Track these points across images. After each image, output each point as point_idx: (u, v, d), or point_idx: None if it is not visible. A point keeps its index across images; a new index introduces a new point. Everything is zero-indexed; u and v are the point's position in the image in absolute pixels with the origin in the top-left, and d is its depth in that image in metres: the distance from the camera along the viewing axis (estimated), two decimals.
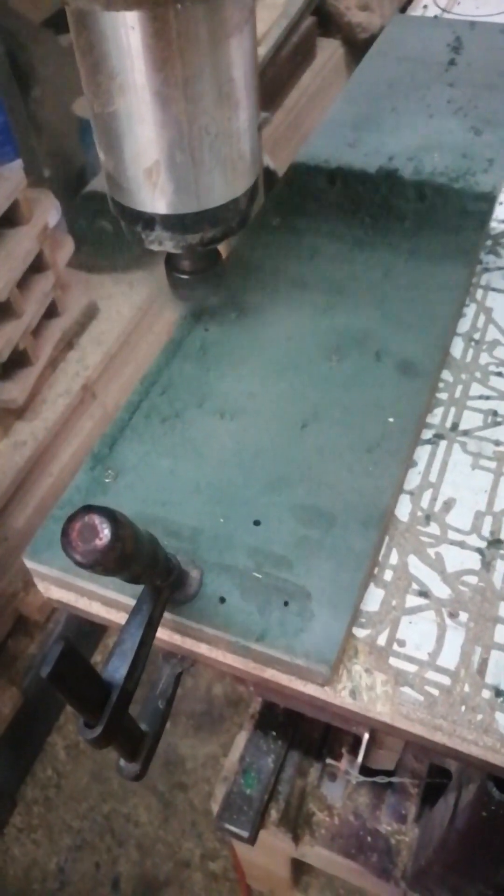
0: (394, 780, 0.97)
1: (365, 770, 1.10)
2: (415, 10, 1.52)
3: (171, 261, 0.85)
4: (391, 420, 0.76)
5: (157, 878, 1.92)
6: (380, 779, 0.94)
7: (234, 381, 0.81)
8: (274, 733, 1.20)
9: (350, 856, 1.20)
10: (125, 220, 0.78)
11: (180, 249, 0.78)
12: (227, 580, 0.65)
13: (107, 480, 0.73)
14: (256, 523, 0.69)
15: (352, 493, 0.71)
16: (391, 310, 0.87)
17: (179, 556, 0.66)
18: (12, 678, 1.96)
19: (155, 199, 0.73)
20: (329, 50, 3.00)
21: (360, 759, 0.84)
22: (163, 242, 0.77)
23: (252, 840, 1.13)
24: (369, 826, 1.22)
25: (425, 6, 1.53)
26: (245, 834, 1.11)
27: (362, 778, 0.97)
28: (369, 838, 1.21)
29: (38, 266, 1.90)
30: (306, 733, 1.26)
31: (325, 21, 3.19)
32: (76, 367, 2.07)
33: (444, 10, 1.50)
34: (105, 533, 0.43)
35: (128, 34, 0.61)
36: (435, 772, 1.11)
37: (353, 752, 1.11)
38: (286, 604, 0.64)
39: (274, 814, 1.18)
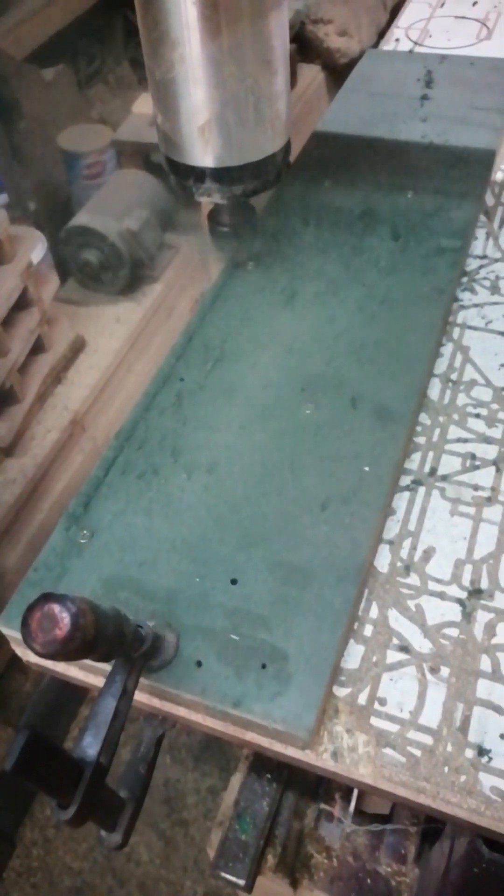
0: (387, 827, 0.95)
1: (360, 813, 1.09)
2: (387, 44, 1.53)
3: (213, 215, 0.99)
4: (367, 469, 0.75)
5: None
6: (373, 827, 0.92)
7: (210, 432, 0.80)
8: (268, 776, 1.18)
9: None
10: (178, 175, 0.90)
11: (225, 200, 0.91)
12: (204, 643, 0.64)
13: (82, 541, 0.72)
14: (233, 582, 0.68)
15: (329, 546, 0.70)
16: (366, 354, 0.86)
17: (155, 619, 0.66)
18: (7, 718, 1.94)
19: (206, 154, 0.85)
20: (310, 75, 3.03)
21: (352, 807, 0.83)
22: (211, 194, 0.90)
23: (249, 888, 1.10)
24: (369, 867, 1.20)
25: (397, 39, 1.54)
26: (241, 882, 1.09)
27: (355, 827, 0.95)
28: (369, 880, 1.19)
29: (23, 303, 1.90)
30: (301, 774, 1.24)
31: (305, 47, 3.22)
32: (64, 401, 2.07)
33: (416, 44, 1.51)
34: (65, 622, 0.42)
35: (187, 10, 0.74)
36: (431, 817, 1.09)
37: (347, 797, 1.09)
38: (263, 666, 0.63)
39: (271, 859, 1.16)
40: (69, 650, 0.43)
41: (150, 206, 2.27)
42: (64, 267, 2.40)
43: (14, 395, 1.91)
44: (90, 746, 0.55)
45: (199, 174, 0.88)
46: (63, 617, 0.42)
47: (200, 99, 0.81)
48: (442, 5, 1.65)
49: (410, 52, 1.49)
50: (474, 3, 1.62)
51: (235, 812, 1.16)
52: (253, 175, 0.88)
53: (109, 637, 0.48)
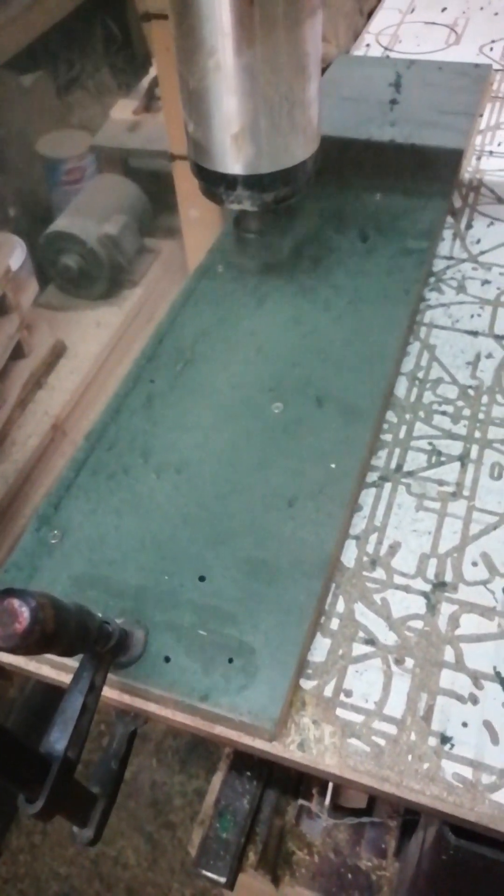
0: (363, 820, 0.96)
1: (338, 808, 1.10)
2: (358, 49, 1.55)
3: (239, 222, 0.98)
4: (333, 466, 0.76)
5: None
6: (349, 820, 0.93)
7: (180, 433, 0.82)
8: (248, 773, 1.19)
9: (331, 895, 1.19)
10: (208, 182, 0.89)
11: (256, 207, 0.89)
12: (172, 638, 0.66)
13: (52, 541, 0.73)
14: (201, 579, 0.69)
15: (295, 542, 0.71)
16: (333, 354, 0.88)
17: (124, 616, 0.67)
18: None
19: (238, 161, 0.85)
20: None
21: (327, 800, 0.84)
22: (242, 201, 0.88)
23: (230, 885, 1.11)
24: (350, 862, 1.22)
25: (368, 45, 1.56)
26: (223, 880, 1.10)
27: (332, 821, 0.96)
28: (350, 875, 1.20)
29: (1, 309, 1.91)
30: (282, 771, 1.25)
31: None
32: (45, 406, 2.07)
33: (386, 49, 1.54)
34: (24, 616, 0.43)
35: (223, 17, 0.74)
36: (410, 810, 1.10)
37: (324, 792, 1.11)
38: (231, 661, 0.64)
39: (252, 856, 1.17)
40: (29, 644, 0.44)
41: (129, 211, 2.28)
42: (44, 272, 2.41)
43: None
44: (58, 741, 0.56)
45: (231, 182, 0.87)
46: (22, 611, 0.43)
47: (235, 107, 0.80)
48: (412, 11, 1.67)
49: (385, 56, 1.51)
50: (443, 10, 1.65)
51: (216, 810, 1.16)
52: (284, 182, 0.88)
53: (71, 632, 0.49)
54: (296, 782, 1.25)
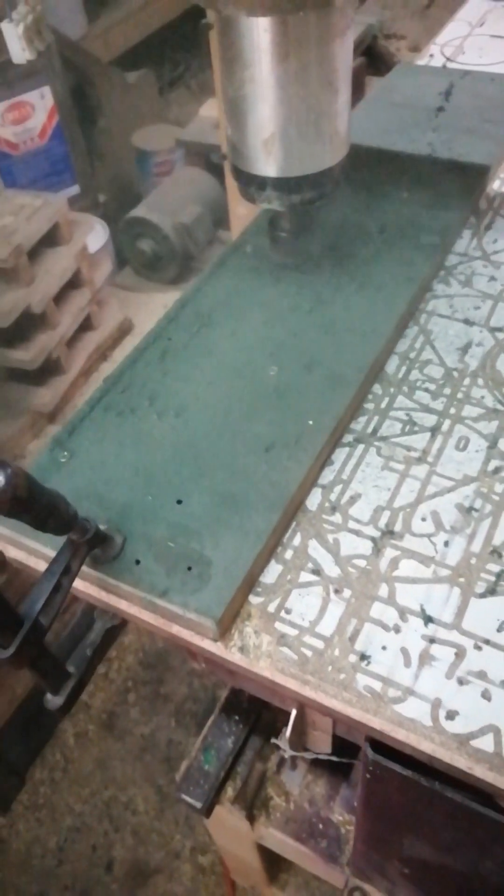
0: (321, 756, 1.04)
1: (305, 750, 1.18)
2: (422, 60, 1.63)
3: (274, 222, 1.07)
4: (311, 422, 0.86)
5: (148, 865, 2.02)
6: (306, 754, 1.02)
7: (184, 384, 0.93)
8: (237, 717, 1.30)
9: (301, 840, 1.28)
10: (242, 182, 0.99)
11: (284, 207, 0.99)
12: (145, 547, 0.77)
13: (62, 460, 0.86)
14: (179, 502, 0.80)
15: (265, 481, 0.81)
16: (332, 329, 0.97)
17: (107, 524, 0.78)
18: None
19: (268, 164, 0.94)
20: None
21: (288, 730, 0.93)
22: (271, 201, 0.98)
23: (206, 812, 1.22)
24: (323, 814, 1.30)
25: (431, 55, 1.64)
26: (198, 805, 1.20)
27: (291, 752, 1.05)
28: (321, 825, 1.29)
29: (75, 283, 2.07)
30: (270, 722, 1.35)
31: (376, 61, 3.32)
32: None
33: (448, 59, 1.61)
34: (0, 478, 0.55)
35: (260, 35, 0.83)
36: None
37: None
38: (189, 568, 0.75)
39: (230, 791, 1.27)
40: (2, 501, 0.56)
41: (205, 203, 2.42)
42: (122, 255, 2.58)
43: (60, 366, 2.09)
44: (32, 606, 0.68)
45: (261, 182, 0.96)
46: None
47: (266, 115, 0.89)
48: (482, 24, 1.74)
49: (443, 66, 1.59)
50: None
51: (202, 745, 1.27)
52: (311, 186, 0.95)
53: (43, 505, 0.61)
54: (279, 734, 1.34)
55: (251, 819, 1.29)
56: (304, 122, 0.90)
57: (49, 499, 0.62)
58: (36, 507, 0.60)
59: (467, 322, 1.02)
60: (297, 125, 0.90)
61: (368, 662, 0.71)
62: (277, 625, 0.74)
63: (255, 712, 1.32)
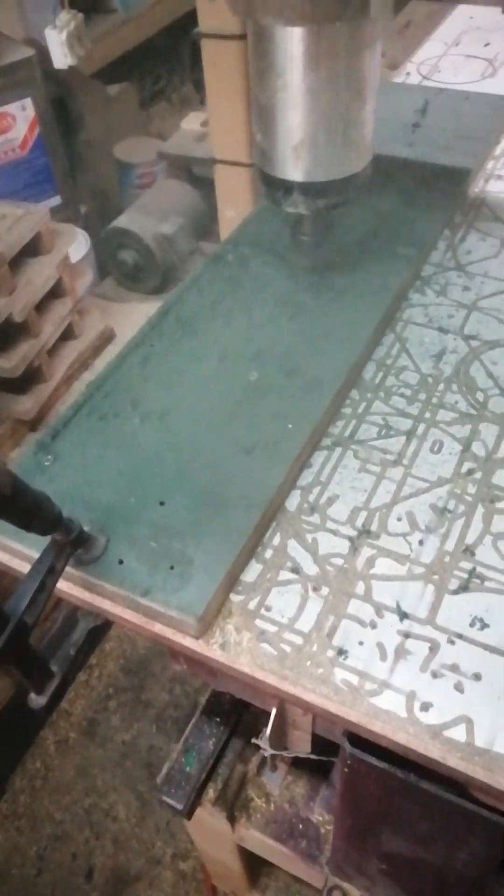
0: (300, 754, 1.06)
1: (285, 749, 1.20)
2: (399, 77, 1.68)
3: (295, 226, 1.09)
4: (290, 426, 0.89)
5: (128, 873, 2.02)
6: (287, 753, 1.04)
7: (166, 388, 0.95)
8: (217, 719, 1.31)
9: (282, 840, 1.29)
10: (270, 186, 1.01)
11: (309, 211, 1.01)
12: (128, 547, 0.79)
13: (46, 464, 0.87)
14: (161, 503, 0.82)
15: (246, 483, 0.83)
16: (311, 336, 1.00)
17: (91, 525, 0.80)
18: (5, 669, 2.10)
19: (296, 169, 0.96)
20: None
21: (268, 729, 0.95)
22: (297, 205, 1.00)
23: (187, 815, 1.23)
24: (302, 815, 1.32)
25: (408, 73, 1.68)
26: (180, 807, 1.21)
27: (272, 751, 1.06)
28: (301, 826, 1.31)
29: (57, 292, 2.09)
30: (251, 724, 1.36)
31: None
32: None
33: (424, 77, 1.66)
34: None
35: (294, 44, 0.86)
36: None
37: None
38: (171, 567, 0.77)
39: (211, 793, 1.29)
40: None
41: (187, 214, 2.45)
42: (104, 265, 2.60)
43: (42, 374, 2.10)
44: (17, 604, 0.69)
45: (289, 187, 0.98)
46: None
47: (297, 122, 0.91)
48: (457, 44, 1.79)
49: (420, 84, 1.63)
50: (486, 45, 1.76)
51: (184, 747, 1.28)
52: (336, 190, 0.98)
53: (28, 504, 0.63)
54: (260, 734, 1.35)
55: (232, 820, 1.30)
56: (332, 129, 0.93)
57: (34, 498, 0.64)
58: (21, 506, 0.62)
59: (442, 330, 1.05)
60: (327, 132, 0.93)
61: (346, 657, 0.73)
62: (258, 622, 0.76)
63: (236, 714, 1.34)
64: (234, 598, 0.78)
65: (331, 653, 0.73)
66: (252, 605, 0.77)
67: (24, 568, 0.85)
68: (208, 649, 0.76)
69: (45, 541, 0.72)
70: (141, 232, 2.31)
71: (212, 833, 1.39)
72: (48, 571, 0.72)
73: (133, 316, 2.46)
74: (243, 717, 1.35)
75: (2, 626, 0.67)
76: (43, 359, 2.06)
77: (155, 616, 0.77)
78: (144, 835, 2.07)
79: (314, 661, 0.73)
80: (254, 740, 1.25)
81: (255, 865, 1.64)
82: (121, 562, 0.78)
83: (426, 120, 1.43)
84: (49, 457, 0.88)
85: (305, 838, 1.30)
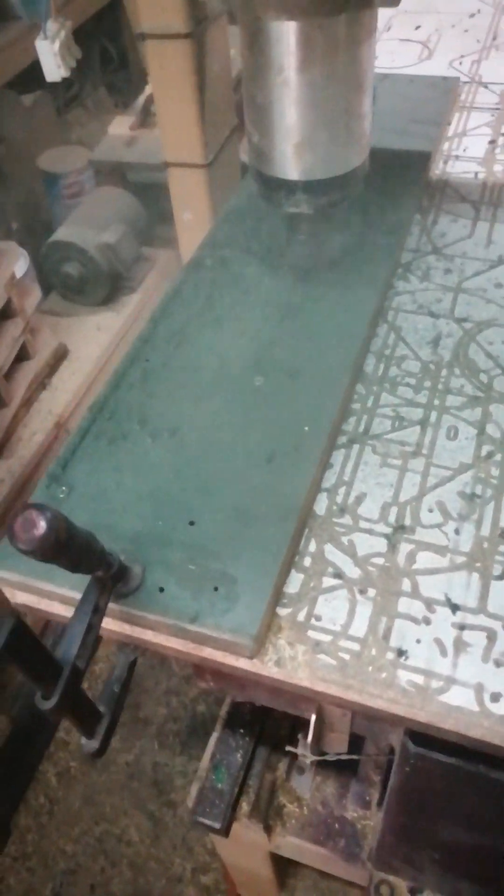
0: (342, 757, 1.05)
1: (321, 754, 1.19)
2: None
3: (293, 226, 1.07)
4: (306, 429, 0.87)
5: (151, 895, 1.98)
6: (330, 757, 1.03)
7: (172, 403, 0.92)
8: (241, 731, 1.29)
9: (319, 843, 1.28)
10: (268, 188, 0.98)
11: (312, 210, 0.98)
12: (165, 573, 0.76)
13: (61, 496, 0.83)
14: (191, 523, 0.80)
15: (273, 492, 0.81)
16: (308, 334, 0.98)
17: (124, 555, 0.77)
18: (2, 706, 2.03)
19: (298, 168, 0.93)
20: None
21: (310, 737, 0.94)
22: (300, 205, 0.97)
23: (225, 832, 1.21)
24: (336, 814, 1.31)
25: None
26: (217, 825, 1.19)
27: (315, 757, 1.05)
28: (337, 825, 1.30)
29: (6, 313, 2.02)
30: (273, 731, 1.34)
31: None
32: (49, 405, 2.18)
33: None
34: (41, 524, 0.53)
35: (292, 39, 0.83)
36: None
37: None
38: (216, 589, 0.74)
39: (245, 806, 1.27)
40: (45, 546, 0.54)
41: (127, 221, 2.40)
42: (46, 280, 2.52)
43: (0, 399, 2.02)
44: (68, 651, 0.66)
45: (291, 187, 0.95)
46: (40, 521, 0.54)
47: (297, 119, 0.89)
48: (388, 29, 1.79)
49: None
50: (417, 27, 1.77)
51: (212, 764, 1.26)
52: (339, 187, 0.96)
53: (80, 544, 0.59)
54: (287, 741, 1.34)
55: (268, 830, 1.29)
56: (334, 124, 0.90)
57: (83, 538, 0.61)
58: (73, 548, 0.58)
59: (433, 315, 1.05)
60: (328, 127, 0.90)
61: (406, 657, 0.72)
62: (310, 633, 0.74)
63: (259, 723, 1.32)
64: (281, 611, 0.76)
65: (390, 655, 0.72)
66: (301, 616, 0.76)
67: (53, 608, 0.81)
68: (264, 668, 0.74)
69: (72, 577, 0.69)
70: (83, 243, 2.25)
71: (246, 846, 1.37)
72: (93, 611, 0.68)
73: (84, 329, 2.40)
74: (267, 723, 1.34)
75: (56, 676, 0.64)
76: (0, 383, 1.99)
77: (204, 641, 0.74)
78: (161, 854, 2.03)
79: (375, 665, 0.72)
80: (289, 748, 1.24)
81: (282, 869, 1.63)
82: (161, 589, 0.75)
83: (377, 106, 1.42)
84: (63, 488, 0.84)
85: (343, 837, 1.29)
